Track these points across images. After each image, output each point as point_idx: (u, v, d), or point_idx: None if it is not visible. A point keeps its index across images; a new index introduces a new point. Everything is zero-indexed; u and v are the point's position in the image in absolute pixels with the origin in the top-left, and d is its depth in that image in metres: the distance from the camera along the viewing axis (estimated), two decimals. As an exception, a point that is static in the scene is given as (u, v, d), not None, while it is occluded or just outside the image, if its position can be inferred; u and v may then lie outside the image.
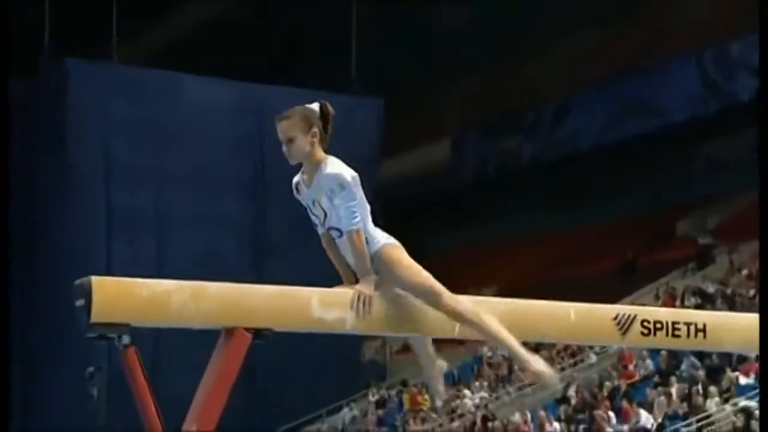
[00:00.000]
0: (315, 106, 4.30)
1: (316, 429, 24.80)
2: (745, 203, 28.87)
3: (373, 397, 26.24)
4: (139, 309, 3.57)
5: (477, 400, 22.66)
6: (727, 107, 29.71)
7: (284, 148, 4.21)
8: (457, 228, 35.32)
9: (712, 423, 17.34)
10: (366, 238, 4.04)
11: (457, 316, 4.07)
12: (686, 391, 18.46)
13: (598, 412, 18.57)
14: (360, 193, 4.12)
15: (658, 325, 4.35)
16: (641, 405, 18.83)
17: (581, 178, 32.71)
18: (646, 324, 4.31)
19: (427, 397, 24.36)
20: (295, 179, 4.26)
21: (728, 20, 29.43)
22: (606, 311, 4.31)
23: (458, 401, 23.06)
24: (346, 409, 26.01)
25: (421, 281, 4.06)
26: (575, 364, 22.47)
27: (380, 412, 25.07)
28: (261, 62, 28.22)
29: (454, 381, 25.19)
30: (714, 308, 19.59)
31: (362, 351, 29.14)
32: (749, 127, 34.21)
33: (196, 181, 26.70)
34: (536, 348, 23.20)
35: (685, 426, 17.51)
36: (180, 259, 24.13)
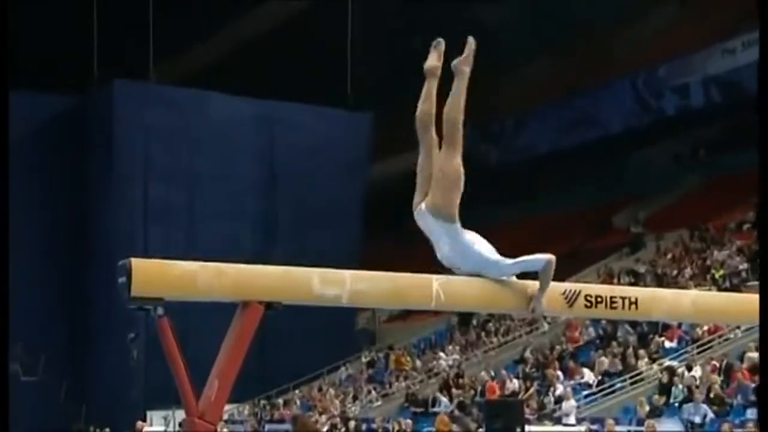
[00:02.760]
0: None
1: (318, 384, 24.80)
2: (669, 200, 28.96)
3: (365, 359, 26.24)
4: (171, 285, 3.55)
5: (450, 361, 22.64)
6: (655, 121, 29.76)
7: None
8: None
9: (642, 379, 17.36)
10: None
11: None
12: (621, 353, 18.47)
13: (550, 371, 18.57)
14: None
15: (599, 299, 4.34)
16: (585, 365, 18.83)
17: (537, 178, 32.76)
18: (588, 298, 4.32)
19: (408, 358, 24.37)
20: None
21: (657, 49, 29.47)
22: (556, 288, 4.31)
23: (434, 362, 23.06)
24: (342, 369, 26.02)
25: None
26: (531, 331, 22.46)
27: (370, 371, 25.07)
28: (273, 82, 28.19)
29: (431, 345, 25.20)
30: (645, 285, 19.60)
31: (356, 320, 29.14)
32: (673, 137, 34.51)
33: (219, 180, 26.73)
34: (501, 317, 23.29)
35: (621, 382, 17.51)
36: (206, 245, 24.05)
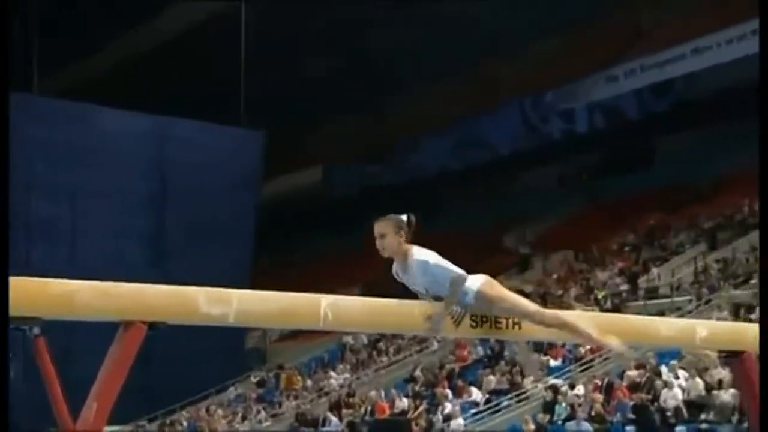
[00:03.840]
0: (404, 217, 4.35)
1: (207, 405, 24.37)
2: (555, 221, 29.75)
3: (254, 379, 25.94)
4: (49, 305, 3.43)
5: (341, 380, 22.60)
6: (541, 144, 30.58)
7: (377, 243, 4.29)
8: (326, 237, 35.31)
9: (528, 397, 17.68)
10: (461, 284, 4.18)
11: (554, 324, 4.28)
12: (508, 371, 18.77)
13: (439, 390, 18.72)
14: (438, 259, 4.23)
15: (484, 319, 4.38)
16: (473, 383, 19.07)
17: (427, 198, 33.14)
18: (474, 318, 4.35)
19: (299, 378, 24.22)
20: (394, 269, 4.36)
21: (544, 74, 30.32)
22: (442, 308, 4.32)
23: (325, 381, 22.97)
24: (231, 388, 25.65)
25: (520, 309, 4.27)
26: (421, 350, 22.64)
27: (260, 390, 24.79)
28: (164, 97, 27.74)
29: (323, 364, 25.11)
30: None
31: (246, 340, 28.80)
32: (558, 161, 35.51)
33: (107, 197, 26.06)
34: (392, 336, 23.41)
35: (507, 400, 17.79)
36: (92, 263, 23.38)
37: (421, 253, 4.22)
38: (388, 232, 4.28)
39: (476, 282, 4.29)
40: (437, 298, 4.24)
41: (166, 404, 24.29)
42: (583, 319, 4.53)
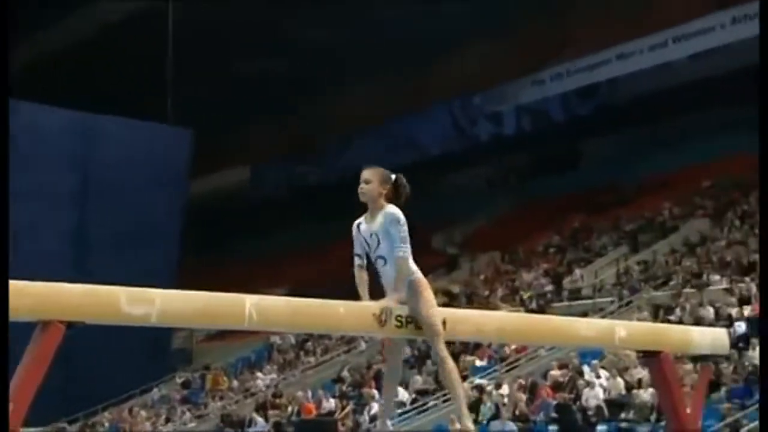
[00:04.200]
0: (393, 174, 4.53)
1: (130, 406, 23.96)
2: (482, 222, 30.07)
3: (179, 379, 25.62)
4: (-37, 304, 3.34)
5: (268, 381, 22.45)
6: (470, 146, 30.89)
7: (360, 187, 4.41)
8: (255, 237, 35.06)
9: (454, 397, 17.72)
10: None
11: (440, 359, 4.42)
12: (434, 371, 18.84)
13: (366, 390, 18.72)
14: (408, 234, 4.36)
15: (409, 319, 4.42)
16: (400, 383, 19.08)
17: (358, 198, 33.15)
18: (399, 318, 4.37)
19: (225, 378, 23.99)
20: (357, 222, 4.44)
21: (473, 77, 30.63)
22: (368, 308, 4.34)
23: (252, 382, 22.80)
24: (155, 390, 25.27)
25: (430, 316, 4.32)
26: (349, 350, 22.63)
27: (185, 391, 24.48)
28: (88, 93, 27.20)
29: (250, 365, 24.92)
30: (459, 306, 20.13)
31: (172, 340, 28.42)
32: (486, 163, 35.88)
33: (27, 194, 25.39)
34: (319, 337, 23.33)
35: (434, 400, 17.88)
36: (11, 262, 22.77)
37: (397, 212, 4.34)
38: (374, 180, 4.44)
39: (416, 270, 4.33)
40: (381, 259, 4.29)
41: (87, 406, 23.81)
42: (462, 387, 4.71)
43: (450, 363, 4.45)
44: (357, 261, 4.44)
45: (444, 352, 4.38)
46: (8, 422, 3.39)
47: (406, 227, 4.33)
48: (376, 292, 4.48)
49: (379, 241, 4.35)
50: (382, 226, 4.32)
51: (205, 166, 32.11)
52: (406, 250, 4.31)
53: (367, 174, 4.44)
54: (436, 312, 4.37)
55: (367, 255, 4.45)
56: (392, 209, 4.34)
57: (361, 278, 4.44)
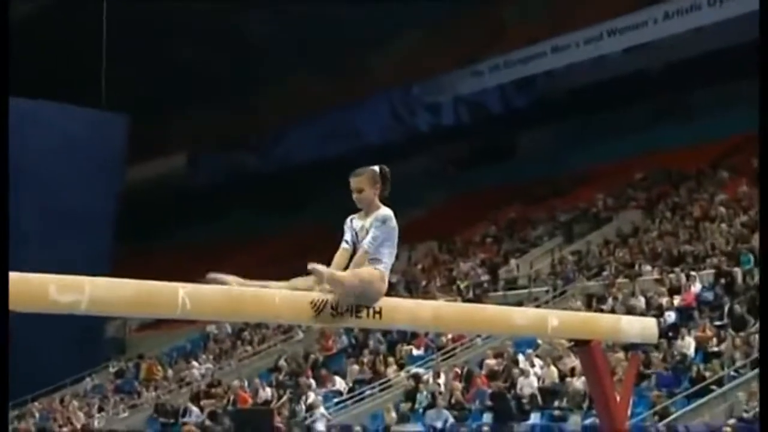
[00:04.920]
0: (377, 168, 4.50)
1: (61, 396, 23.56)
2: (420, 212, 30.21)
3: (112, 369, 25.27)
4: None
5: (203, 370, 22.27)
6: (409, 136, 30.99)
7: (354, 196, 4.45)
8: (190, 226, 34.69)
9: (391, 386, 17.89)
10: (380, 259, 4.33)
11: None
12: (372, 360, 18.95)
13: (303, 379, 18.71)
14: (395, 234, 4.39)
15: (345, 308, 4.40)
16: (337, 372, 19.15)
17: (297, 188, 33.04)
18: (335, 307, 4.37)
19: (160, 368, 23.73)
20: (351, 217, 4.51)
21: (412, 67, 30.72)
22: (303, 297, 4.32)
23: (187, 371, 22.59)
24: (88, 379, 24.88)
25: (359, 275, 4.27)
26: (286, 340, 22.57)
27: (119, 381, 24.16)
28: (18, 77, 26.52)
29: (185, 354, 24.69)
30: (397, 295, 20.14)
31: (105, 329, 27.99)
32: (425, 153, 35.93)
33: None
34: (256, 326, 23.21)
35: (370, 389, 17.96)
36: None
37: (388, 214, 4.40)
38: (365, 186, 4.46)
39: (382, 276, 4.36)
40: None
41: (15, 396, 23.30)
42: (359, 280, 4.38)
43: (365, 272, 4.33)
44: (344, 245, 4.48)
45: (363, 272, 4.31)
46: (8, 422, 3.31)
47: (388, 229, 4.37)
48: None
49: (367, 233, 4.42)
50: (371, 224, 4.41)
51: (142, 153, 31.65)
52: (372, 246, 4.33)
53: (356, 183, 4.48)
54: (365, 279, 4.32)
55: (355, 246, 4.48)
56: (384, 212, 4.42)
57: (340, 258, 4.43)
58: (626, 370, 6.02)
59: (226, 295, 4.19)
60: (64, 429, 19.72)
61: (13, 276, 3.56)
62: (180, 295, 3.95)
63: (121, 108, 27.34)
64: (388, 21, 29.45)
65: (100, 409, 21.97)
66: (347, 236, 4.50)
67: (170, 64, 32.33)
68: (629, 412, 5.27)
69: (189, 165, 37.00)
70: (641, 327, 5.43)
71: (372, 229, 4.38)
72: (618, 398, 5.18)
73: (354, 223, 4.51)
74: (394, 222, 4.43)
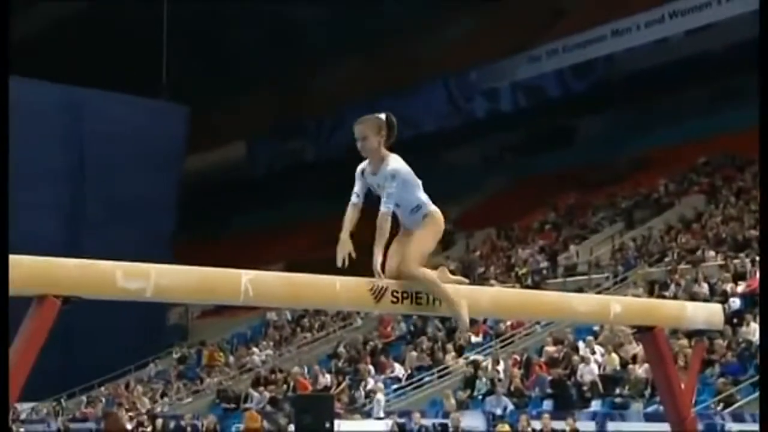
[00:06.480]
0: (383, 116, 4.48)
1: (126, 381, 24.04)
2: (478, 199, 30.06)
3: (175, 355, 25.69)
4: (-42, 279, 3.33)
5: (264, 357, 22.53)
6: (465, 123, 30.76)
7: (359, 144, 4.40)
8: (250, 213, 35.03)
9: (450, 372, 17.90)
10: (419, 204, 4.44)
11: (419, 279, 4.40)
12: (430, 347, 18.95)
13: (362, 366, 18.81)
14: (411, 176, 4.40)
15: (405, 295, 4.41)
16: (396, 359, 19.20)
17: (352, 175, 33.06)
18: (395, 294, 4.37)
19: (221, 354, 24.06)
20: (361, 166, 4.47)
21: (468, 53, 30.49)
22: (364, 283, 4.34)
23: (248, 358, 22.87)
24: (152, 365, 25.35)
25: (415, 254, 4.41)
26: (344, 327, 22.69)
27: (181, 367, 24.56)
28: (82, 68, 27.02)
29: (246, 341, 24.99)
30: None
31: (168, 316, 28.47)
32: (482, 139, 35.71)
33: (21, 169, 25.21)
34: (315, 313, 23.37)
35: (429, 375, 17.97)
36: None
37: (394, 166, 4.37)
38: (368, 134, 4.41)
39: (427, 202, 4.51)
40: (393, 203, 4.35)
41: (84, 381, 23.87)
42: (446, 289, 4.56)
43: (429, 274, 4.44)
44: (354, 199, 4.48)
45: (418, 271, 4.37)
46: (8, 422, 3.39)
47: (400, 180, 4.36)
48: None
49: (388, 195, 4.43)
50: (384, 180, 4.39)
51: (201, 141, 32.02)
52: (389, 207, 4.33)
53: (360, 131, 4.43)
54: (426, 247, 4.46)
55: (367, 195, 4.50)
56: (391, 164, 4.38)
57: (352, 215, 4.47)
58: (692, 357, 5.93)
59: (288, 281, 4.22)
60: (130, 413, 20.12)
61: (81, 263, 3.63)
62: (243, 282, 4.00)
63: (182, 98, 27.70)
64: (446, 5, 29.27)
65: (164, 395, 22.37)
66: (357, 188, 4.48)
67: (229, 54, 32.63)
68: (694, 400, 5.18)
69: (248, 152, 37.32)
70: (707, 313, 5.33)
71: (385, 190, 4.34)
72: (683, 386, 5.10)
73: (366, 175, 4.46)
74: (403, 169, 4.38)
